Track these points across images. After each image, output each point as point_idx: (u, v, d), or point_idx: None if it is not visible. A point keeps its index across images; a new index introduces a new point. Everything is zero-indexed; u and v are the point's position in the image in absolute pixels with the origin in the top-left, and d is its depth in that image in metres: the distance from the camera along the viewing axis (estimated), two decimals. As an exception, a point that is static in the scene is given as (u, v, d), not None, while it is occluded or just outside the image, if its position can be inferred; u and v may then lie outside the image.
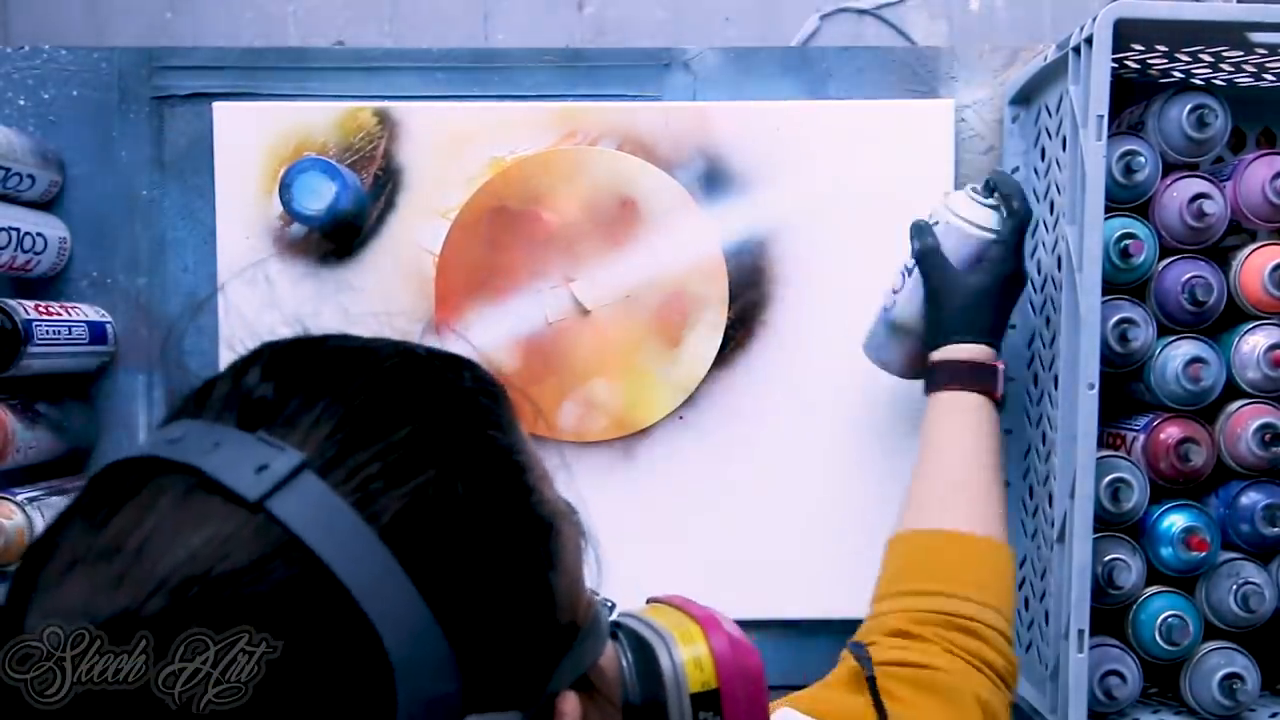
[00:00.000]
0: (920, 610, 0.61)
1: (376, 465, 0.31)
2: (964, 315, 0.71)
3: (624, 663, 0.43)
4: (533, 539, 0.35)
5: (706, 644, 0.44)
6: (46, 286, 0.86)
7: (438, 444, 0.32)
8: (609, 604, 0.42)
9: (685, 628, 0.45)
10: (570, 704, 0.35)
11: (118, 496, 0.30)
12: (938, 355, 0.71)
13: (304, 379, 0.33)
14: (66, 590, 0.28)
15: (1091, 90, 0.69)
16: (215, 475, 0.29)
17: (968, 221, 0.72)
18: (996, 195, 0.72)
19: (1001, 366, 0.70)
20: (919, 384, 0.75)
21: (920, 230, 0.74)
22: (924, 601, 0.62)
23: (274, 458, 0.30)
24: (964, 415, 0.69)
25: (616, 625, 0.45)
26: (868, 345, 0.80)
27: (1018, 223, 0.71)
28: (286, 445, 0.30)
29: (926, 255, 0.73)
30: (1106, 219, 0.74)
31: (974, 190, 0.73)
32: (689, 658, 0.43)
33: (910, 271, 0.75)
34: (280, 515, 0.29)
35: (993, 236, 0.72)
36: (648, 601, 0.48)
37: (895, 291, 0.76)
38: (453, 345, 0.38)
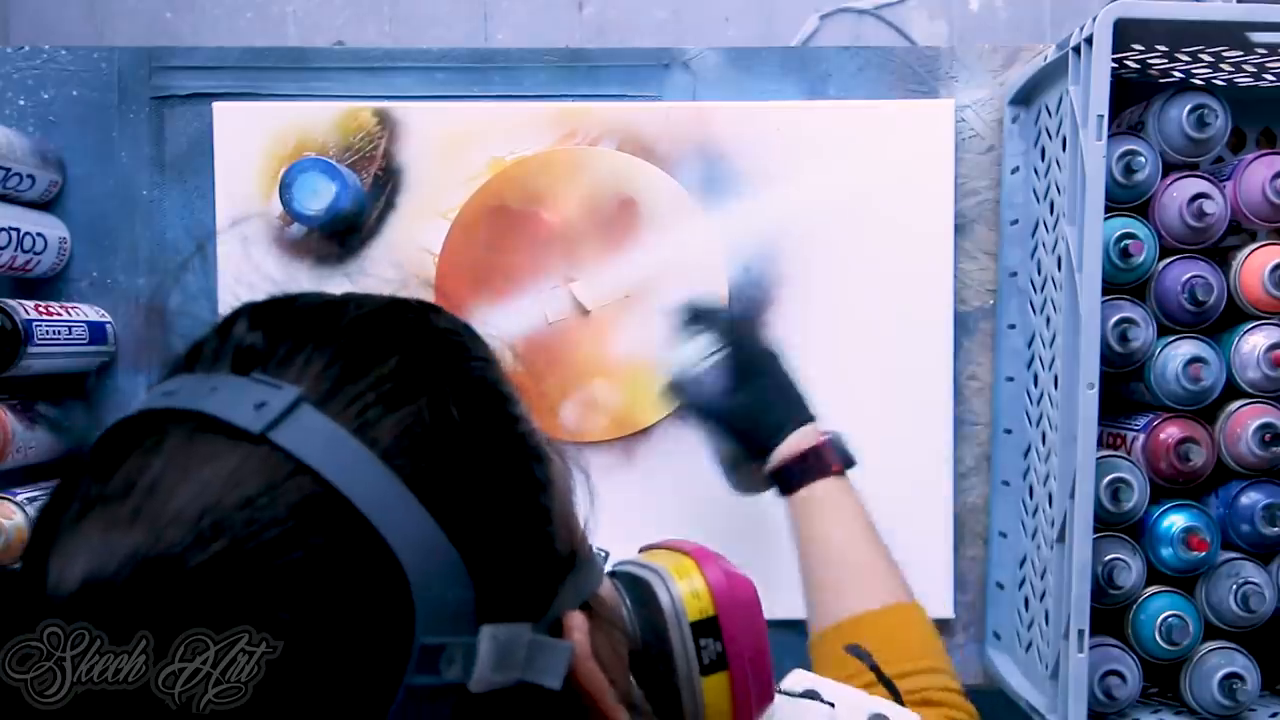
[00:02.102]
0: None
1: (371, 394, 0.32)
2: (757, 427, 0.70)
3: (624, 604, 0.44)
4: (524, 461, 0.36)
5: (702, 576, 0.45)
6: (46, 286, 0.86)
7: (426, 372, 0.34)
8: (603, 553, 0.43)
9: (680, 563, 0.46)
10: (578, 619, 0.36)
11: (122, 449, 0.31)
12: (767, 469, 0.70)
13: (290, 326, 0.34)
14: (84, 531, 0.29)
15: (1091, 90, 0.69)
16: (216, 414, 0.30)
17: (698, 362, 0.72)
18: (696, 320, 0.74)
19: (826, 438, 0.69)
20: (920, 382, 0.75)
21: (674, 390, 0.74)
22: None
23: (271, 395, 0.31)
24: (819, 510, 0.68)
25: (613, 574, 0.45)
26: (731, 488, 0.77)
27: (727, 324, 0.73)
28: (282, 383, 0.31)
29: (694, 409, 0.73)
30: (1106, 219, 0.74)
31: (684, 332, 0.74)
32: (686, 591, 0.45)
33: (699, 422, 0.74)
34: (285, 445, 0.30)
35: (723, 352, 0.72)
36: (640, 550, 0.49)
37: (708, 442, 0.75)
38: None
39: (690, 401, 0.72)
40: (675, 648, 0.44)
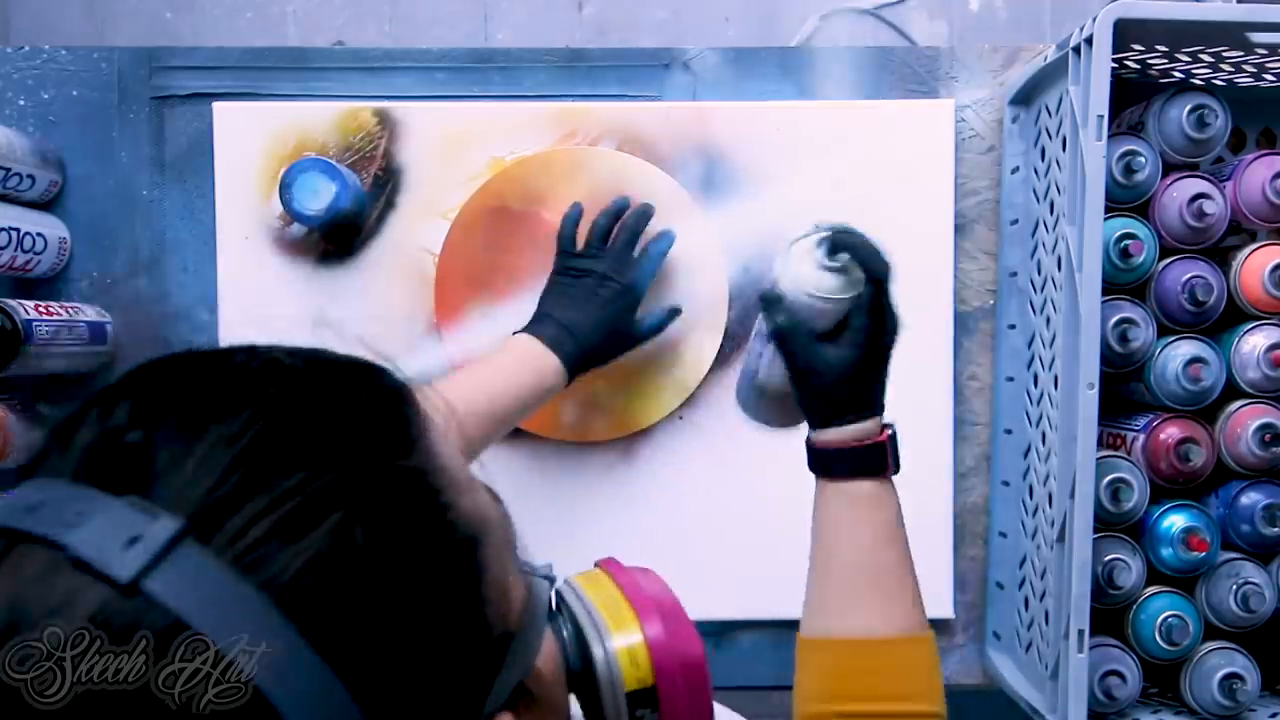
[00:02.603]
0: None
1: (267, 521, 0.28)
2: (835, 396, 0.61)
3: (563, 641, 0.40)
4: (456, 562, 0.32)
5: (642, 634, 0.41)
6: (46, 286, 0.86)
7: (337, 488, 0.29)
8: (546, 574, 0.39)
9: (618, 611, 0.41)
10: None
11: None
12: (816, 440, 0.62)
13: (180, 418, 0.29)
14: None
15: (1091, 90, 0.69)
16: (81, 554, 0.27)
17: (818, 295, 0.60)
18: (844, 257, 0.60)
19: (888, 437, 0.61)
20: (920, 382, 0.74)
21: (770, 303, 0.62)
22: None
23: (147, 526, 0.27)
24: (855, 509, 0.61)
25: (559, 599, 0.42)
26: (741, 404, 0.70)
27: (878, 278, 0.60)
28: (160, 511, 0.27)
29: (782, 334, 0.61)
30: (1106, 219, 0.74)
31: (820, 250, 0.61)
32: (621, 649, 0.40)
33: (770, 339, 0.64)
34: (159, 595, 0.26)
35: (849, 303, 0.61)
36: (595, 564, 0.46)
37: (759, 356, 0.66)
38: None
39: (785, 325, 0.61)
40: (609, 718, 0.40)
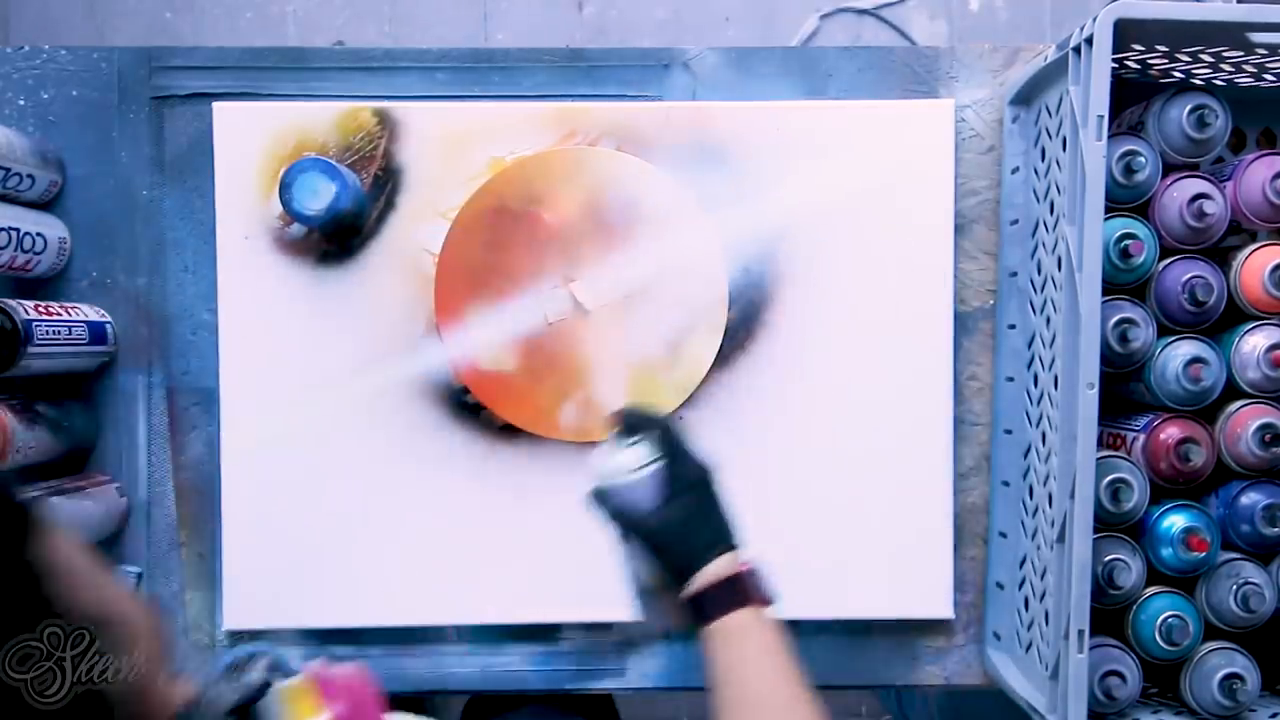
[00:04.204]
0: None
1: None
2: (683, 549, 0.65)
3: None
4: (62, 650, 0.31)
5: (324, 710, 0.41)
6: (46, 286, 0.86)
7: None
8: (262, 684, 0.39)
9: (305, 699, 0.42)
10: None
11: None
12: (685, 596, 0.64)
13: None
14: None
15: (1092, 90, 0.69)
16: None
17: (626, 474, 0.66)
18: (634, 434, 0.67)
19: (749, 568, 0.64)
20: (920, 382, 0.74)
21: (597, 503, 0.67)
22: None
23: None
24: (737, 641, 0.63)
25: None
26: (643, 622, 0.71)
27: (665, 433, 0.67)
28: None
29: (618, 521, 0.67)
30: (1106, 219, 0.74)
31: (616, 440, 0.68)
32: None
33: (618, 536, 0.68)
34: None
35: (657, 465, 0.66)
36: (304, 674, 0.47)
37: (624, 561, 0.69)
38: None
39: (615, 513, 0.67)
40: None
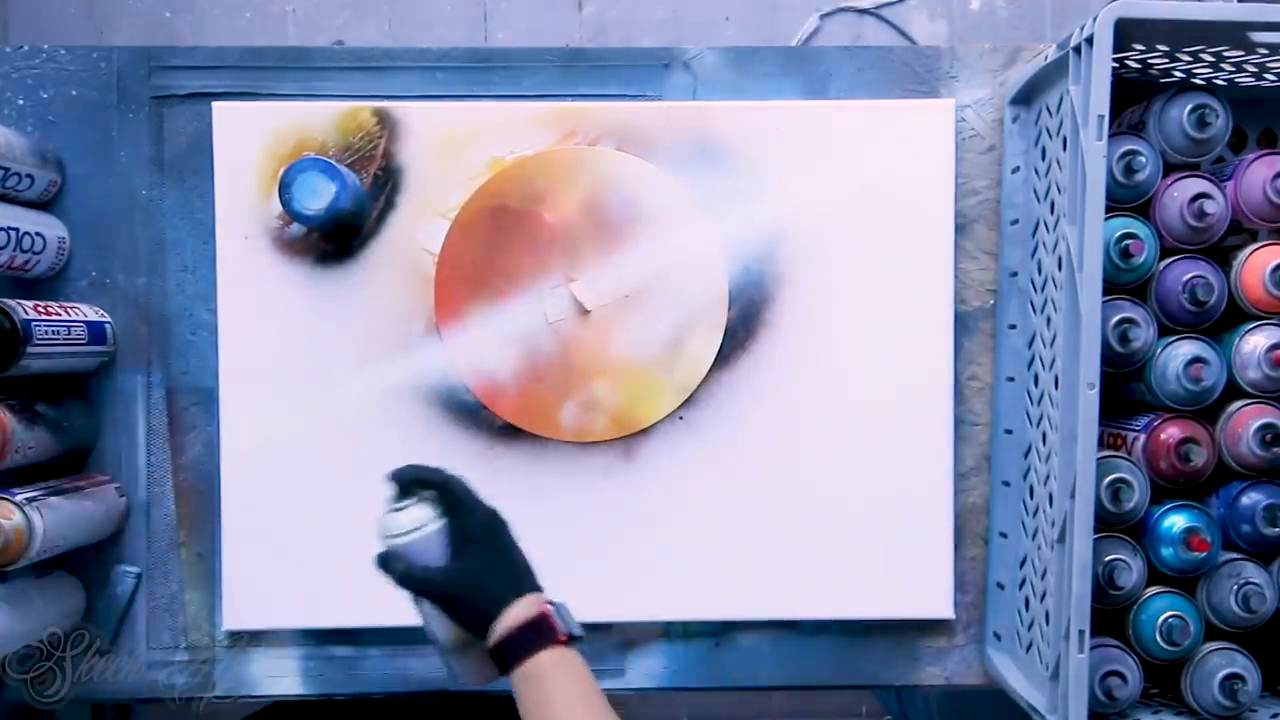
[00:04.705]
0: None
1: None
2: (480, 600, 0.65)
3: None
4: None
5: None
6: (46, 286, 0.86)
7: None
8: None
9: None
10: None
11: None
12: (489, 643, 0.65)
13: None
14: None
15: (1092, 90, 0.69)
16: None
17: (410, 534, 0.66)
18: (410, 490, 0.68)
19: (550, 608, 0.64)
20: (920, 382, 0.74)
21: (385, 566, 0.67)
22: None
23: None
24: (542, 683, 0.62)
25: None
26: (453, 679, 0.71)
27: (444, 489, 0.67)
28: None
29: (408, 583, 0.66)
30: (1107, 219, 0.74)
31: (393, 504, 0.68)
32: None
33: (410, 598, 0.68)
34: None
35: (439, 522, 0.67)
36: None
37: (423, 623, 0.69)
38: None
39: (403, 576, 0.66)
40: None
